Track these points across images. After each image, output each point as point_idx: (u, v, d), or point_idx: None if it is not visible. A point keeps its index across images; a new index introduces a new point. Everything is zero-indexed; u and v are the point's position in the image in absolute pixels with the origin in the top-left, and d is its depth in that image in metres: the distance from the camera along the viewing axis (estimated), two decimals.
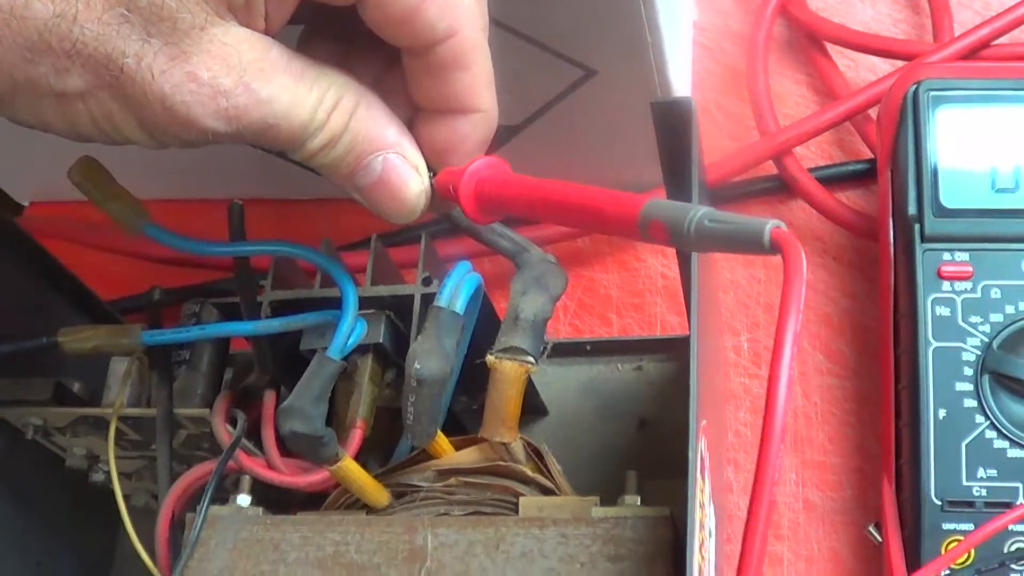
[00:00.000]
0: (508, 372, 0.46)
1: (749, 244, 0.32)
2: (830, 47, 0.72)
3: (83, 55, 0.33)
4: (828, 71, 0.71)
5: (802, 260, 0.31)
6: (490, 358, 0.46)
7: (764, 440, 0.30)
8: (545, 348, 0.47)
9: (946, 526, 0.53)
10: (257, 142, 0.36)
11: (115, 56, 0.33)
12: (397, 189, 0.39)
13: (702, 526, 0.42)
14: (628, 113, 0.59)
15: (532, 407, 0.58)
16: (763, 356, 0.65)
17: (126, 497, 0.55)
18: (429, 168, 0.40)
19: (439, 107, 0.39)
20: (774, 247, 0.31)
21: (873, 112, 0.66)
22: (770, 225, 0.31)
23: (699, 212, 0.33)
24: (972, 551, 0.50)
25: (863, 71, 0.71)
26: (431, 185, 0.40)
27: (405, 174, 0.38)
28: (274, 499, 0.51)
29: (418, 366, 0.44)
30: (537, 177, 0.67)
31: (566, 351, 0.60)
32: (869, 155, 0.68)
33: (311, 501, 0.52)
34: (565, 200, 0.37)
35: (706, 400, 0.45)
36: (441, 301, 0.45)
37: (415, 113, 0.40)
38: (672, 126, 0.46)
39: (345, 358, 0.46)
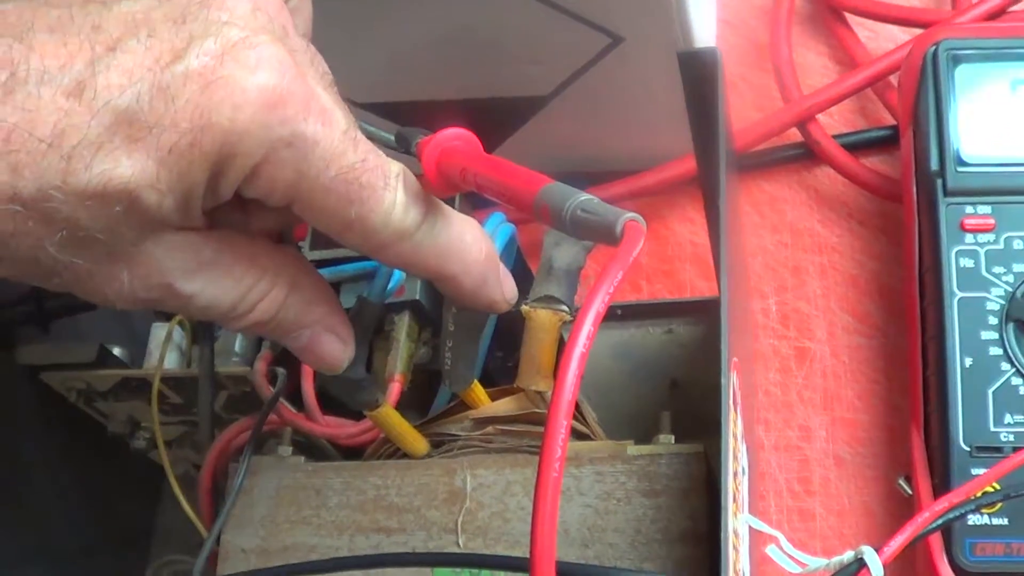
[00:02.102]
0: (543, 320, 0.46)
1: (606, 234, 0.31)
2: (851, 18, 0.72)
3: (14, 259, 0.33)
4: (849, 42, 0.72)
5: (632, 251, 0.30)
6: (524, 307, 0.46)
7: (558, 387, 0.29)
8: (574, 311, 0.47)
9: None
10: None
11: (46, 264, 0.33)
12: (320, 355, 0.40)
13: (735, 458, 0.43)
14: (655, 80, 0.60)
15: None
16: (791, 318, 0.66)
17: None
18: None
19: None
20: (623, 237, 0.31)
21: (894, 79, 0.67)
22: (625, 217, 0.31)
23: (577, 200, 0.32)
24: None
25: (883, 41, 0.72)
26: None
27: (328, 342, 0.40)
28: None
29: (455, 309, 0.45)
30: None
31: None
32: (891, 122, 0.69)
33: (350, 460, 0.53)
34: (491, 176, 0.35)
35: (736, 340, 0.46)
36: None
37: None
38: (698, 76, 0.47)
39: (385, 306, 0.47)
